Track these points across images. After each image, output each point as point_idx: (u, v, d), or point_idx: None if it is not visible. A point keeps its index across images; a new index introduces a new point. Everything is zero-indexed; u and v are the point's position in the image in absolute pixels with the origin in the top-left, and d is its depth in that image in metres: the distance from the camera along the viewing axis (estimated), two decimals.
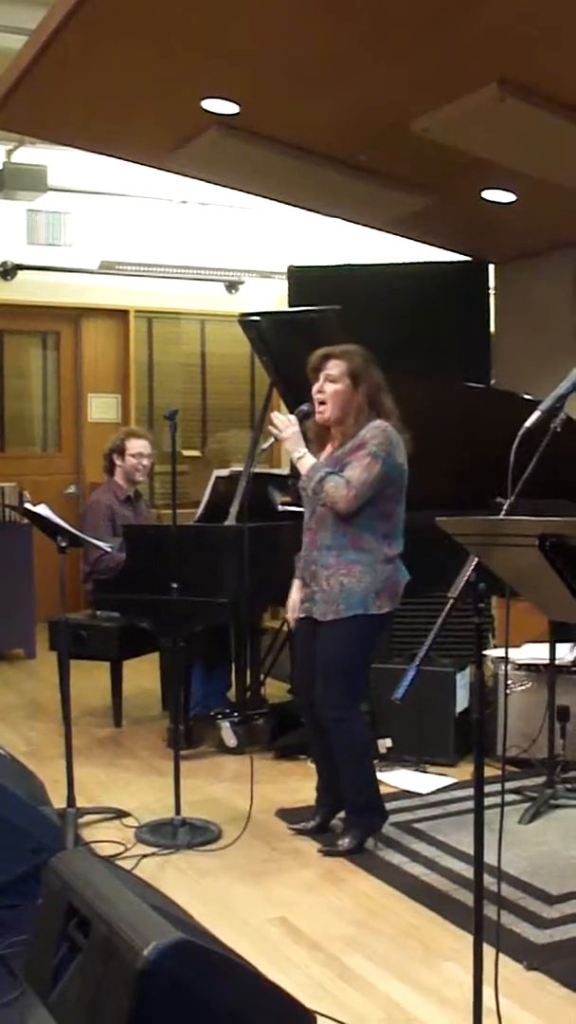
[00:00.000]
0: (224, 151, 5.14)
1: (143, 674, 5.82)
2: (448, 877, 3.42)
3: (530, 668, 4.47)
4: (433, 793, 4.23)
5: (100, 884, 2.18)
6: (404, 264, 6.96)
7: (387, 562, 3.63)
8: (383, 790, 3.83)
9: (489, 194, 5.53)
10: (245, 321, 4.87)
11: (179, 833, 3.75)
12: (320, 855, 3.63)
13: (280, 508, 5.21)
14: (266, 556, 4.47)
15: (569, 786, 4.11)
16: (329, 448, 3.70)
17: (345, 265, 7.13)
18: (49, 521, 3.90)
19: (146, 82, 4.51)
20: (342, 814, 3.79)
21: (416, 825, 3.89)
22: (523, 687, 4.47)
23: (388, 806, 3.79)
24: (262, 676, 5.44)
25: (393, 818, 3.82)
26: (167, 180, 6.55)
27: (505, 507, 2.41)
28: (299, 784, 4.29)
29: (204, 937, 2.13)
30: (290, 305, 6.92)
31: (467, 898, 3.18)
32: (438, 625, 2.37)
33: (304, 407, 3.70)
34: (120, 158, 5.76)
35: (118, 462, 5.50)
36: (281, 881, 3.45)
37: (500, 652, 4.64)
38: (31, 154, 7.53)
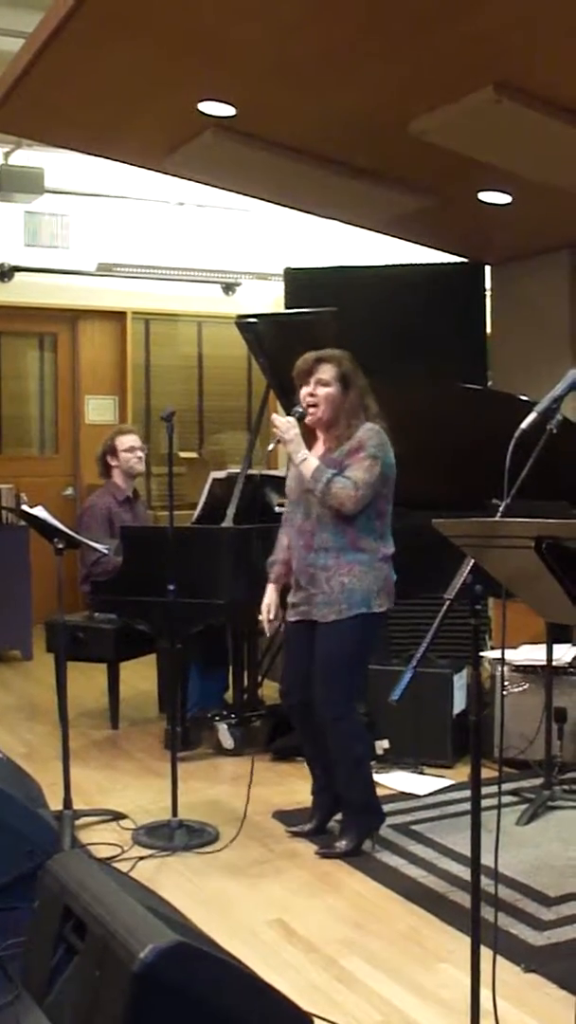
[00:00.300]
0: (221, 153, 5.15)
1: (140, 676, 5.82)
2: (445, 879, 3.41)
3: (527, 669, 4.47)
4: (430, 795, 4.23)
5: (97, 887, 2.17)
6: (400, 266, 6.96)
7: (384, 561, 3.68)
8: (380, 792, 3.83)
9: (486, 196, 5.53)
10: (242, 323, 4.88)
11: (176, 835, 3.74)
12: (317, 857, 3.63)
13: (278, 509, 5.20)
14: (263, 558, 4.47)
15: (566, 787, 4.11)
16: (320, 450, 3.72)
17: (342, 267, 7.14)
18: (46, 523, 3.90)
19: (143, 85, 4.52)
20: (339, 816, 3.79)
21: (413, 827, 3.89)
22: (520, 688, 4.47)
23: (385, 808, 3.79)
24: (259, 678, 5.43)
25: (390, 820, 3.82)
26: (164, 182, 6.55)
27: (501, 509, 2.41)
28: (296, 786, 4.28)
29: (201, 940, 2.13)
30: (287, 307, 6.93)
31: (465, 900, 3.17)
32: (435, 627, 2.37)
33: (298, 409, 3.71)
34: (117, 160, 5.77)
35: (113, 462, 5.51)
36: (278, 883, 3.44)
37: (497, 653, 4.63)
38: (28, 156, 7.53)
